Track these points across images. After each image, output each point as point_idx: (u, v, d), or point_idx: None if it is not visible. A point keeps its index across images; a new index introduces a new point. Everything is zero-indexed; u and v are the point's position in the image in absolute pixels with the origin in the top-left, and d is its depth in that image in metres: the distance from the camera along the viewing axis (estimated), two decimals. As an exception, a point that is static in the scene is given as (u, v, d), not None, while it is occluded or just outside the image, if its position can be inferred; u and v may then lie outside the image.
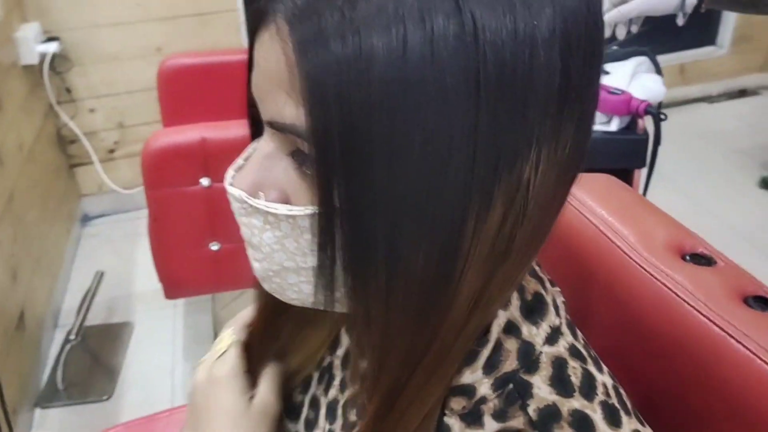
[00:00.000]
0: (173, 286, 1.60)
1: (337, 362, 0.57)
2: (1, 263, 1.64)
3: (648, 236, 0.63)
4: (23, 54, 2.06)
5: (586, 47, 0.37)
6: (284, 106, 0.38)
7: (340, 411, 0.54)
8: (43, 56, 2.13)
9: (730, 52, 3.08)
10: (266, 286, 0.46)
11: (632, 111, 1.14)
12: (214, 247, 1.55)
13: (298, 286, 0.44)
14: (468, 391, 0.43)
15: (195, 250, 1.56)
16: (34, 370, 1.77)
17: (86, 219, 2.52)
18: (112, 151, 2.45)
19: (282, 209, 0.41)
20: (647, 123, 1.17)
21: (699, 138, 2.81)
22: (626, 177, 1.18)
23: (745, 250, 2.16)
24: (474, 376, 0.43)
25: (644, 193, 1.18)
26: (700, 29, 3.12)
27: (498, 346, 0.43)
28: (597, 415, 0.41)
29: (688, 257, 0.60)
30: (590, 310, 0.65)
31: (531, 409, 0.41)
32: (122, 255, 2.31)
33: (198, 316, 2.04)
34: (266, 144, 0.42)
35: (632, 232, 0.63)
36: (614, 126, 1.17)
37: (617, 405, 0.43)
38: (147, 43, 2.30)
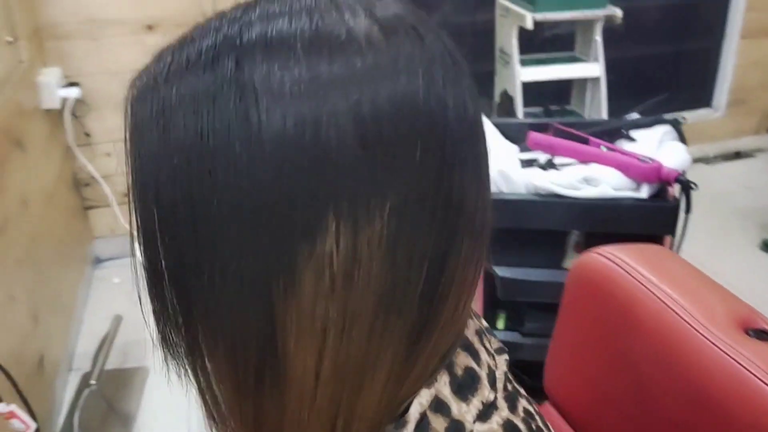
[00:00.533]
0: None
1: None
2: (23, 306, 1.64)
3: (710, 310, 0.67)
4: (44, 98, 2.09)
5: (397, 114, 0.36)
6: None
7: None
8: (64, 101, 2.17)
9: (726, 114, 3.19)
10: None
11: (663, 179, 1.19)
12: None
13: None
14: None
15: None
16: (51, 414, 1.76)
17: (97, 261, 2.52)
18: (126, 194, 2.47)
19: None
20: (676, 191, 1.22)
21: (698, 199, 2.88)
22: (655, 243, 1.22)
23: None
24: None
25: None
26: (695, 92, 3.23)
27: (424, 426, 0.41)
28: None
29: (751, 332, 0.64)
30: (655, 382, 0.68)
31: None
32: (133, 299, 2.30)
33: (210, 362, 2.04)
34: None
35: (695, 306, 0.67)
36: (644, 193, 1.22)
37: None
38: (166, 90, 2.35)
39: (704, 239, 2.63)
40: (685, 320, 0.66)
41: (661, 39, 3.24)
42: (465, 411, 0.42)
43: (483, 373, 0.44)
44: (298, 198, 0.35)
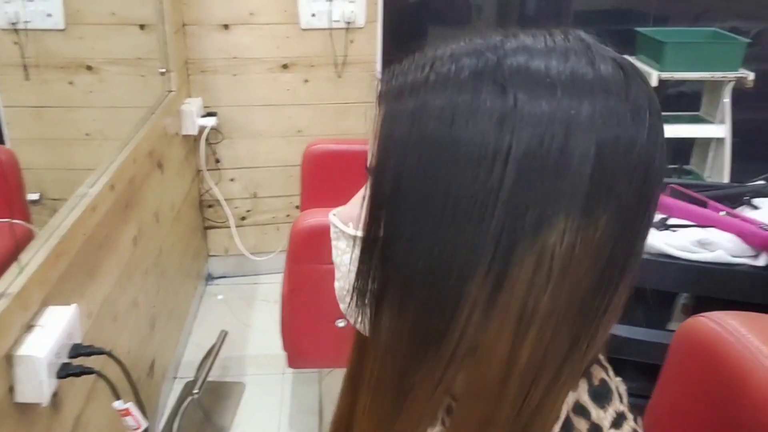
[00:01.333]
0: (297, 356, 1.68)
1: None
2: (144, 312, 1.78)
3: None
4: (186, 125, 2.28)
5: (627, 149, 0.42)
6: (370, 150, 0.47)
7: None
8: (201, 128, 2.36)
9: None
10: (342, 307, 0.54)
11: (782, 249, 1.15)
12: (341, 324, 1.63)
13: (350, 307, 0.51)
14: None
15: (322, 324, 1.64)
16: (154, 417, 1.88)
17: (209, 278, 2.68)
18: (243, 218, 2.63)
19: (352, 231, 0.50)
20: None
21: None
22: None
23: None
24: None
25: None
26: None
27: (569, 425, 0.47)
28: None
29: None
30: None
31: None
32: (239, 316, 2.44)
33: (304, 387, 2.11)
34: (365, 188, 0.50)
35: (809, 381, 0.65)
36: (762, 261, 1.18)
37: None
38: (290, 124, 2.50)
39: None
40: (796, 394, 0.64)
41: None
42: (602, 417, 0.48)
43: (613, 386, 0.51)
44: (537, 195, 0.40)
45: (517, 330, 0.42)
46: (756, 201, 1.28)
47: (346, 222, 0.51)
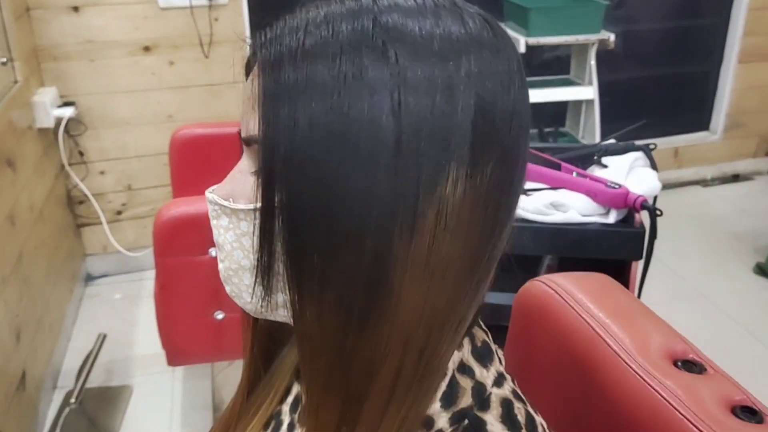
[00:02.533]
0: (176, 354, 1.62)
1: (286, 408, 0.60)
2: (5, 324, 1.66)
3: (643, 341, 0.66)
4: (39, 117, 2.13)
5: (503, 98, 0.44)
6: (250, 120, 0.45)
7: None
8: (59, 120, 2.21)
9: (723, 137, 3.18)
10: (228, 289, 0.52)
11: (629, 205, 1.19)
12: (219, 316, 1.58)
13: (251, 289, 0.49)
14: (427, 423, 0.47)
15: (200, 318, 1.58)
16: (34, 430, 1.77)
17: (89, 279, 2.55)
18: (119, 212, 2.50)
19: (239, 206, 0.48)
20: (644, 217, 1.22)
21: (693, 221, 2.88)
22: (624, 268, 1.22)
23: (739, 335, 2.20)
24: (433, 407, 0.47)
25: (641, 285, 1.22)
26: (693, 115, 3.23)
27: (454, 383, 0.48)
28: None
29: (679, 363, 0.64)
30: (585, 409, 0.68)
31: None
32: (123, 316, 2.33)
33: (196, 382, 2.04)
34: (242, 161, 0.50)
35: (628, 335, 0.67)
36: (612, 218, 1.22)
37: None
38: (159, 110, 2.39)
39: (698, 262, 2.62)
40: (613, 349, 0.65)
41: (660, 63, 3.25)
42: (486, 376, 0.50)
43: (493, 348, 0.53)
44: (429, 149, 0.42)
45: (423, 280, 0.43)
46: (605, 160, 1.33)
47: (225, 198, 0.49)
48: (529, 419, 0.49)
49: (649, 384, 0.61)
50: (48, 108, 2.13)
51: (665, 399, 0.59)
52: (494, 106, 0.44)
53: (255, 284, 0.47)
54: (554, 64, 2.96)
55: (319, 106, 0.41)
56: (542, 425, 0.50)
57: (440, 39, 0.43)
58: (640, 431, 0.60)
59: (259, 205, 0.45)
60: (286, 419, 0.59)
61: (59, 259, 2.22)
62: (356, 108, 0.41)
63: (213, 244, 0.53)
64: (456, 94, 0.42)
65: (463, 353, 0.50)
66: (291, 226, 0.43)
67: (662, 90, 3.27)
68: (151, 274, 2.52)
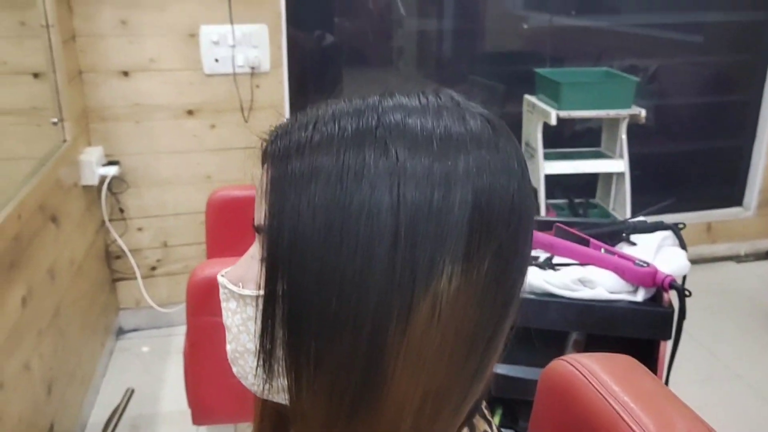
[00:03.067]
0: (201, 412, 1.63)
1: None
2: (39, 377, 1.69)
3: (667, 426, 0.67)
4: (84, 175, 2.22)
5: (501, 195, 0.46)
6: (260, 210, 0.47)
7: None
8: (102, 178, 2.29)
9: (757, 213, 3.15)
10: (235, 370, 0.54)
11: (657, 284, 1.19)
12: (245, 377, 1.59)
13: (256, 371, 0.51)
14: None
15: (226, 379, 1.59)
16: (54, 485, 1.78)
17: (120, 332, 2.59)
18: (153, 268, 2.56)
19: (245, 291, 0.50)
20: (672, 297, 1.22)
21: (727, 297, 2.83)
22: (653, 347, 1.22)
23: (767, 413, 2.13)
24: None
25: (670, 365, 1.21)
26: (726, 190, 3.22)
27: None
28: None
29: (704, 451, 0.64)
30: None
31: None
32: (151, 371, 2.35)
33: (218, 441, 2.04)
34: (253, 247, 0.52)
35: (652, 420, 0.67)
36: (640, 297, 1.22)
37: None
38: (199, 171, 2.47)
39: (732, 340, 2.56)
40: (636, 434, 0.66)
41: (692, 137, 3.27)
42: None
43: None
44: (425, 243, 0.43)
45: (415, 368, 0.44)
46: (634, 237, 1.34)
47: (235, 282, 0.51)
48: None
49: (672, 471, 0.61)
50: (93, 167, 2.22)
51: (689, 488, 0.59)
52: (491, 202, 0.45)
53: (257, 368, 0.49)
54: (586, 135, 3.00)
55: (322, 198, 0.43)
56: None
57: (440, 137, 0.45)
58: None
59: (262, 292, 0.47)
60: None
61: (94, 312, 2.28)
62: (356, 201, 0.43)
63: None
64: (453, 190, 0.44)
65: None
66: (290, 313, 0.45)
67: (694, 164, 3.27)
68: (180, 330, 2.57)
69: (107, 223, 2.41)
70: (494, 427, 0.53)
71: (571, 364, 0.78)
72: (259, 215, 0.48)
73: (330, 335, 0.44)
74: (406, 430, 0.45)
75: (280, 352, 0.47)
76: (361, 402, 0.45)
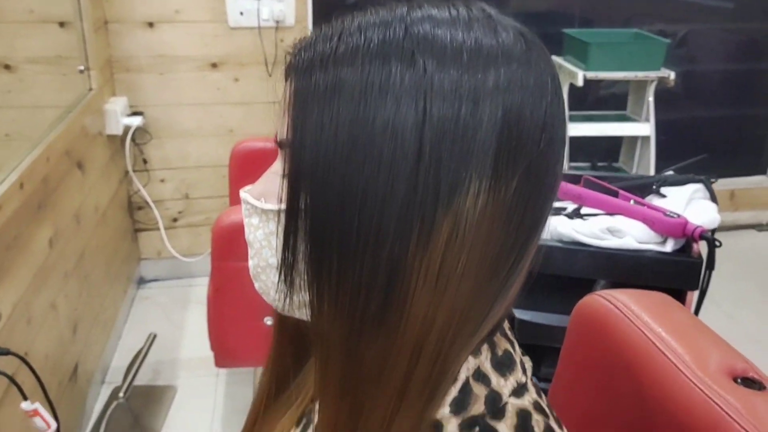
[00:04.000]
0: (224, 355, 1.66)
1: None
2: (65, 316, 1.73)
3: (702, 356, 0.67)
4: (109, 124, 2.23)
5: (532, 112, 0.44)
6: (283, 124, 0.47)
7: None
8: (127, 128, 2.30)
9: (780, 183, 3.12)
10: (257, 286, 0.53)
11: (687, 235, 1.19)
12: (269, 322, 1.61)
13: (278, 285, 0.50)
14: (435, 426, 0.47)
15: (249, 322, 1.61)
16: (79, 422, 1.82)
17: (141, 281, 2.62)
18: (175, 219, 2.58)
19: (267, 206, 0.49)
20: (701, 247, 1.21)
21: (748, 265, 2.81)
22: (679, 297, 1.21)
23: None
24: (441, 411, 0.47)
25: (695, 315, 1.21)
26: (750, 158, 3.18)
27: (467, 389, 0.47)
28: None
29: (739, 380, 0.64)
30: (639, 420, 0.68)
31: None
32: (172, 319, 2.39)
33: (238, 387, 2.08)
34: (276, 163, 0.51)
35: (687, 351, 0.67)
36: (669, 247, 1.21)
37: None
38: (221, 123, 2.47)
39: (752, 306, 2.55)
40: (673, 363, 0.66)
41: (719, 104, 3.22)
42: (502, 385, 0.48)
43: (517, 358, 0.51)
44: (450, 160, 0.42)
45: (436, 288, 0.43)
46: (664, 190, 1.33)
47: (258, 198, 0.51)
48: None
49: (709, 397, 0.61)
50: (118, 116, 2.23)
51: (725, 412, 0.59)
52: (522, 118, 0.43)
53: (279, 282, 0.48)
54: (610, 101, 2.96)
55: (345, 112, 0.42)
56: None
57: (470, 50, 0.43)
58: (698, 444, 0.60)
59: (284, 206, 0.46)
60: (316, 417, 0.61)
61: (117, 260, 2.30)
62: (381, 116, 0.42)
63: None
64: (482, 104, 0.42)
65: (481, 360, 0.49)
66: (312, 228, 0.44)
67: (720, 131, 3.23)
68: (200, 281, 2.60)
69: (131, 173, 2.43)
70: (517, 348, 0.52)
71: (606, 299, 0.78)
72: (282, 130, 0.47)
73: (351, 251, 0.43)
74: (428, 348, 0.44)
75: (301, 266, 0.46)
76: (382, 319, 0.44)
